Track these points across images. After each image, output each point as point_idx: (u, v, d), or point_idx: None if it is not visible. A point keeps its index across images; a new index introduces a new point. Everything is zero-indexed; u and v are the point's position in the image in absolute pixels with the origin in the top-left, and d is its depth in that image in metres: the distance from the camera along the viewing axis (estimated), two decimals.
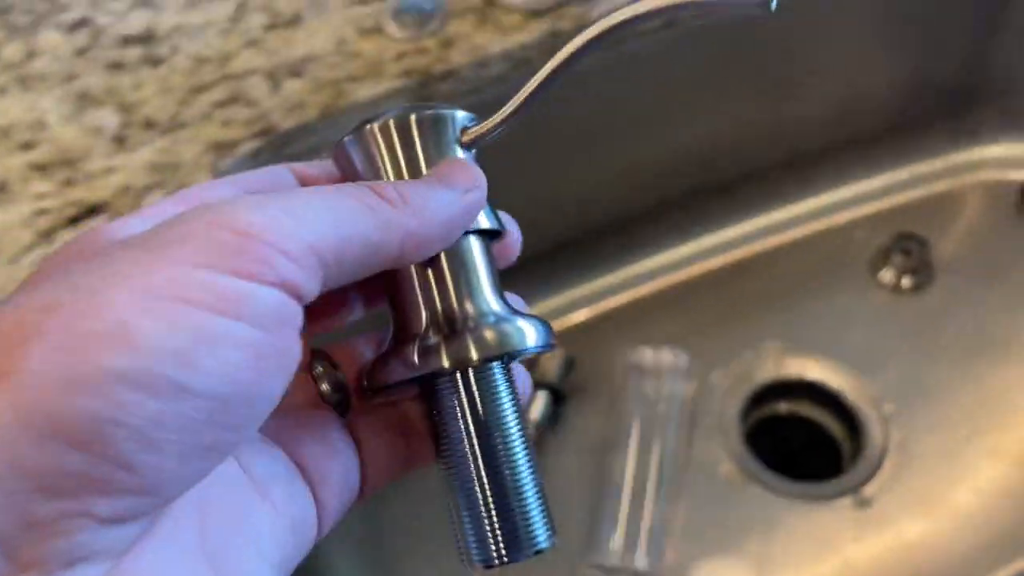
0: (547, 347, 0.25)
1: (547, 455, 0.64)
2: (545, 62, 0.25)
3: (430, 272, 0.25)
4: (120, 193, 0.48)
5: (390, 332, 0.26)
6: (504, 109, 0.25)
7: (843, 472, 0.63)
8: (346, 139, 0.26)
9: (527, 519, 0.24)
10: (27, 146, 0.50)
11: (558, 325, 0.69)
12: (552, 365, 0.65)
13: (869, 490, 0.61)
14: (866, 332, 0.68)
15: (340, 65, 0.53)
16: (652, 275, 0.71)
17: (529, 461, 0.25)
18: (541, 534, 0.24)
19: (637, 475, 0.62)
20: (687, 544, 0.60)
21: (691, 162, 0.70)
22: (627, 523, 0.61)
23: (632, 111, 0.64)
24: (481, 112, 0.27)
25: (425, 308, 0.25)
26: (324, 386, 0.26)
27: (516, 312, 0.26)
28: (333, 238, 0.21)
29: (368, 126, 0.25)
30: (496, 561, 0.24)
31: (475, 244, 0.25)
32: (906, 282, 0.70)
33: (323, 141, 0.51)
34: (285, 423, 0.25)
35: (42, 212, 0.48)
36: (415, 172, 0.25)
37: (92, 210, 0.48)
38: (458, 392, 0.25)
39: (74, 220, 0.47)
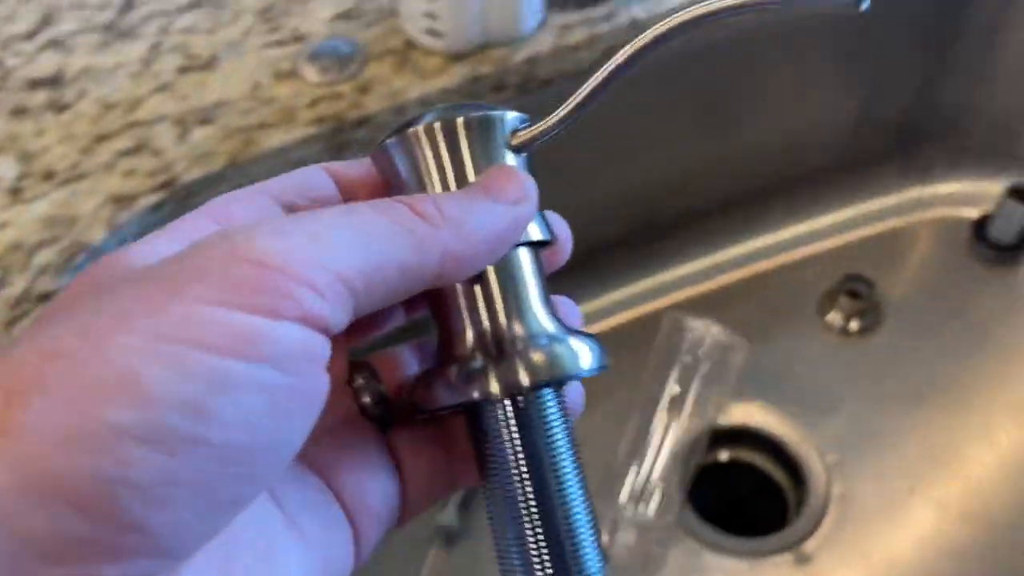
0: (600, 369, 0.24)
1: None
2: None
3: (477, 289, 0.23)
4: (10, 250, 0.46)
5: (435, 346, 0.25)
6: (561, 109, 0.24)
7: (788, 523, 0.61)
8: (388, 141, 0.24)
9: (576, 550, 0.23)
10: None
11: None
12: None
13: (810, 546, 0.59)
14: (812, 377, 0.66)
15: (252, 111, 0.51)
16: (591, 319, 0.69)
17: (581, 489, 0.23)
18: (593, 565, 0.23)
19: None
20: None
21: (635, 201, 0.68)
22: None
23: (571, 150, 0.62)
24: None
25: (471, 327, 0.23)
26: (366, 399, 0.24)
27: (567, 330, 0.24)
28: (363, 264, 0.19)
29: (412, 129, 0.23)
30: None
31: (524, 257, 0.24)
32: (854, 325, 0.68)
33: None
34: (320, 445, 0.23)
35: None
36: (462, 179, 0.23)
37: None
38: (506, 419, 0.23)
39: None
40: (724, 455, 0.65)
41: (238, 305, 0.18)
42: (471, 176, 0.23)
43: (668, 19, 0.22)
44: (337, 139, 0.51)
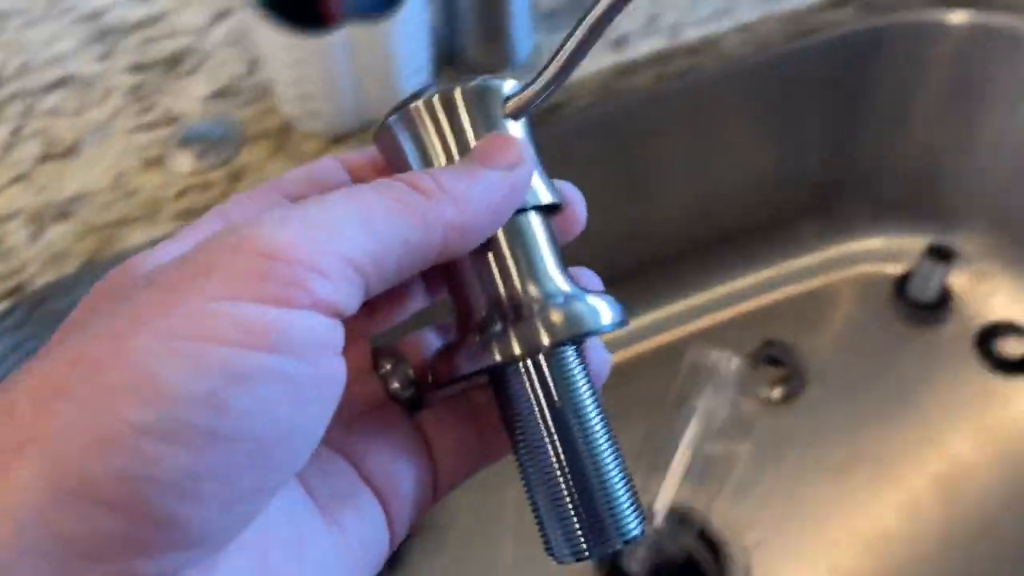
0: (621, 324, 0.23)
1: None
2: None
3: (489, 256, 0.23)
4: None
5: (454, 322, 0.25)
6: (546, 71, 0.23)
7: None
8: (390, 120, 0.24)
9: (613, 508, 0.22)
10: None
11: None
12: None
13: None
14: (733, 448, 0.64)
15: (113, 204, 0.48)
16: None
17: (611, 445, 0.23)
18: (631, 522, 0.22)
19: None
20: None
21: None
22: None
23: None
24: None
25: (486, 294, 0.23)
26: (394, 384, 0.25)
27: (584, 290, 0.24)
28: (368, 245, 0.19)
29: (412, 105, 0.23)
30: (586, 553, 0.22)
31: (533, 220, 0.23)
32: (776, 393, 0.66)
33: (83, 296, 0.45)
34: (349, 432, 0.23)
35: None
36: (464, 151, 0.23)
37: None
38: (531, 380, 0.23)
39: None
40: (647, 535, 0.62)
41: (248, 297, 0.18)
42: (473, 146, 0.23)
43: None
44: None
